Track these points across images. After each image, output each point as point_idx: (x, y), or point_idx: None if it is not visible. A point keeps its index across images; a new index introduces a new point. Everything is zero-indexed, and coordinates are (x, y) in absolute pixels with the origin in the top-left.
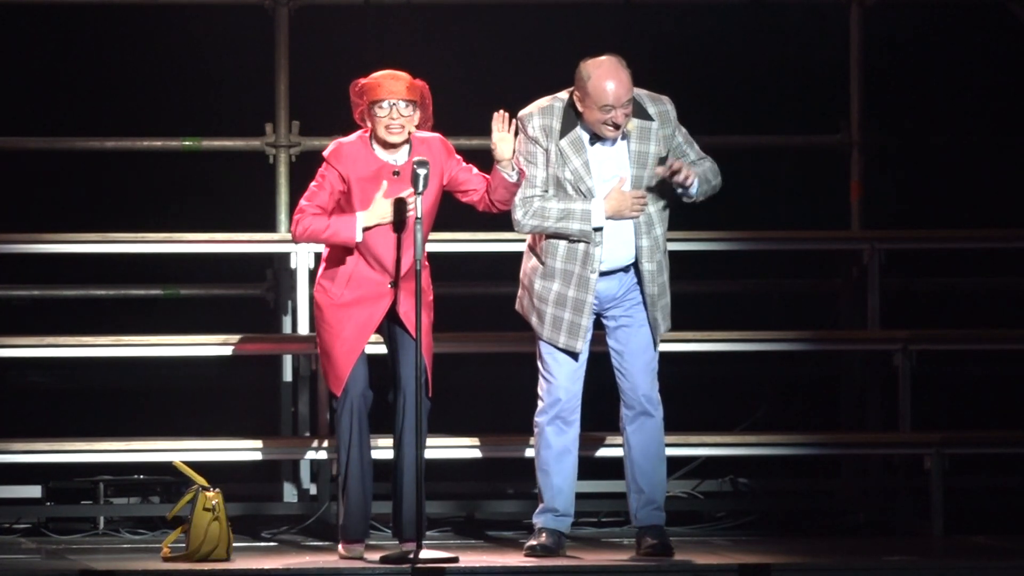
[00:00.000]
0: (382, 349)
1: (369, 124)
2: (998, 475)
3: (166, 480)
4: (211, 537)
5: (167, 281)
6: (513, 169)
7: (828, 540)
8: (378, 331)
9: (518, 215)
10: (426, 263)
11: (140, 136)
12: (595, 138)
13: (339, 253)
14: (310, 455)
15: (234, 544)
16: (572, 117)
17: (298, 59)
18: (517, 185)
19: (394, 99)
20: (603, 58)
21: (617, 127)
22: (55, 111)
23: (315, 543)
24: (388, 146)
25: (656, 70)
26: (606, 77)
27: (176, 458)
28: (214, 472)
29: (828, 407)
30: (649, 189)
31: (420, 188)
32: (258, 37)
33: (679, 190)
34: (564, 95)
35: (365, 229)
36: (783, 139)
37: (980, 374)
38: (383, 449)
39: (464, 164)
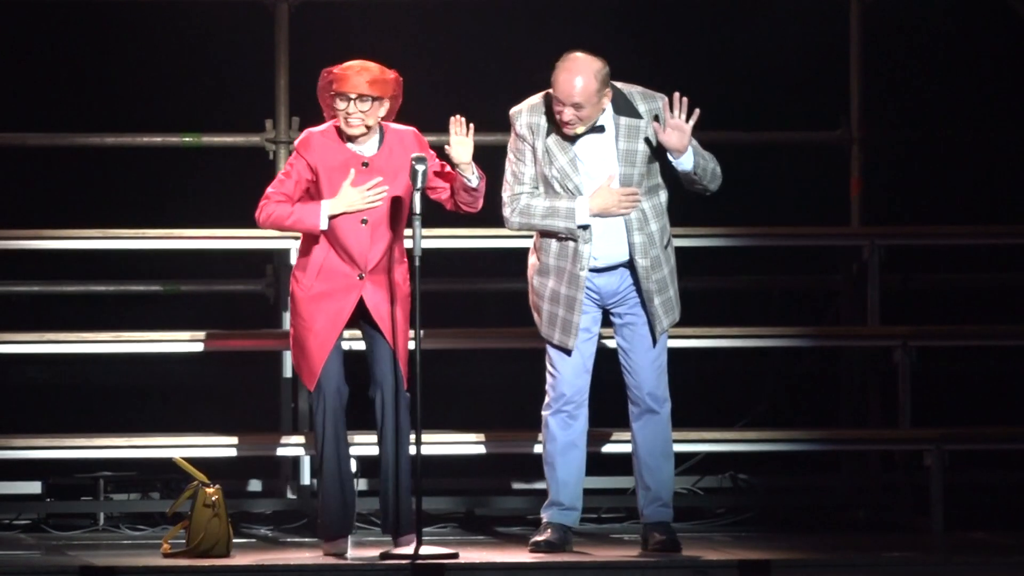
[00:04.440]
0: (360, 345)
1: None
2: (998, 471)
3: (166, 476)
4: (211, 533)
5: (167, 277)
6: (473, 173)
7: (828, 536)
8: (355, 326)
9: (506, 213)
10: (404, 258)
11: (140, 132)
12: (578, 136)
13: (311, 244)
14: (311, 451)
15: (234, 540)
16: None
17: (298, 55)
18: (477, 190)
19: (354, 93)
20: (576, 55)
21: (566, 123)
22: (55, 107)
23: (315, 539)
24: (353, 137)
25: (655, 66)
26: (564, 71)
27: (176, 454)
28: (214, 468)
29: (828, 403)
30: (641, 185)
31: (419, 184)
32: (258, 33)
33: (674, 160)
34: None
35: (332, 217)
36: (783, 135)
37: (980, 370)
38: (369, 445)
39: (436, 160)
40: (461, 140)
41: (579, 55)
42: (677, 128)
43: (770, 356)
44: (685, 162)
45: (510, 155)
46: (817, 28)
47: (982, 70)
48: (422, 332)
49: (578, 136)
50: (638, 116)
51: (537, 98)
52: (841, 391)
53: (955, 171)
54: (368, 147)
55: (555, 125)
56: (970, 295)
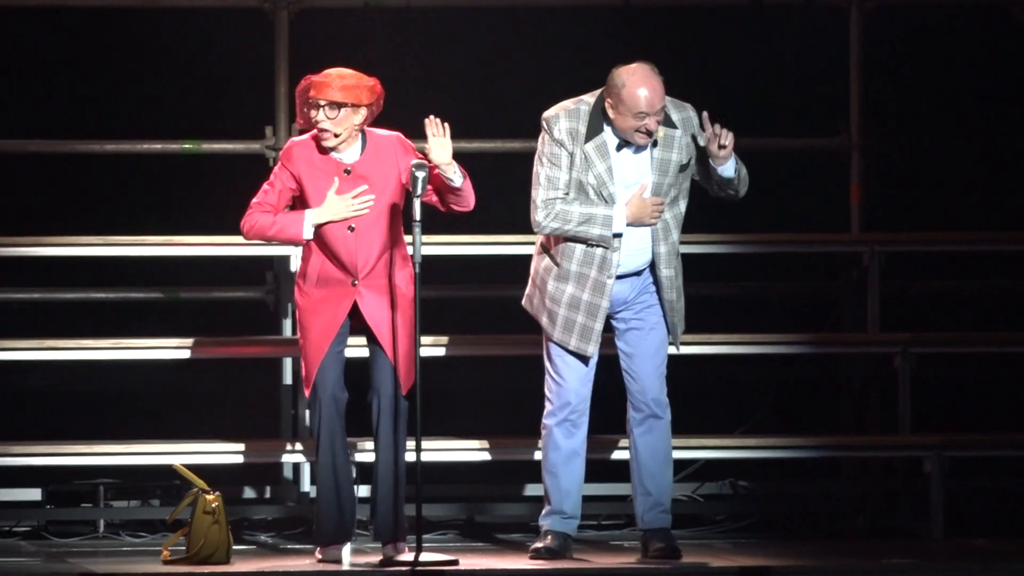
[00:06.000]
0: (363, 352)
1: None
2: (998, 477)
3: (166, 483)
4: (211, 540)
5: (167, 284)
6: (455, 173)
7: (828, 543)
8: (362, 333)
9: (539, 217)
10: (407, 263)
11: (140, 139)
12: (620, 144)
13: (309, 252)
14: (310, 458)
15: (234, 547)
16: (598, 121)
17: (298, 62)
18: (461, 189)
19: (323, 100)
20: (636, 65)
21: (650, 134)
22: (55, 114)
23: (315, 546)
24: (332, 146)
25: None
26: (640, 84)
27: (176, 461)
28: (214, 475)
29: (828, 410)
30: (668, 195)
31: (419, 191)
32: (258, 40)
33: (719, 167)
34: (589, 99)
35: (318, 226)
36: (783, 142)
37: (980, 376)
38: (370, 452)
39: None
40: (439, 141)
41: (637, 65)
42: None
43: (770, 362)
44: (728, 168)
45: (543, 159)
46: (817, 35)
47: (981, 77)
48: (423, 339)
49: (621, 144)
50: (672, 125)
51: (571, 103)
52: (841, 397)
53: (955, 177)
54: (350, 154)
55: (592, 131)
56: (970, 301)
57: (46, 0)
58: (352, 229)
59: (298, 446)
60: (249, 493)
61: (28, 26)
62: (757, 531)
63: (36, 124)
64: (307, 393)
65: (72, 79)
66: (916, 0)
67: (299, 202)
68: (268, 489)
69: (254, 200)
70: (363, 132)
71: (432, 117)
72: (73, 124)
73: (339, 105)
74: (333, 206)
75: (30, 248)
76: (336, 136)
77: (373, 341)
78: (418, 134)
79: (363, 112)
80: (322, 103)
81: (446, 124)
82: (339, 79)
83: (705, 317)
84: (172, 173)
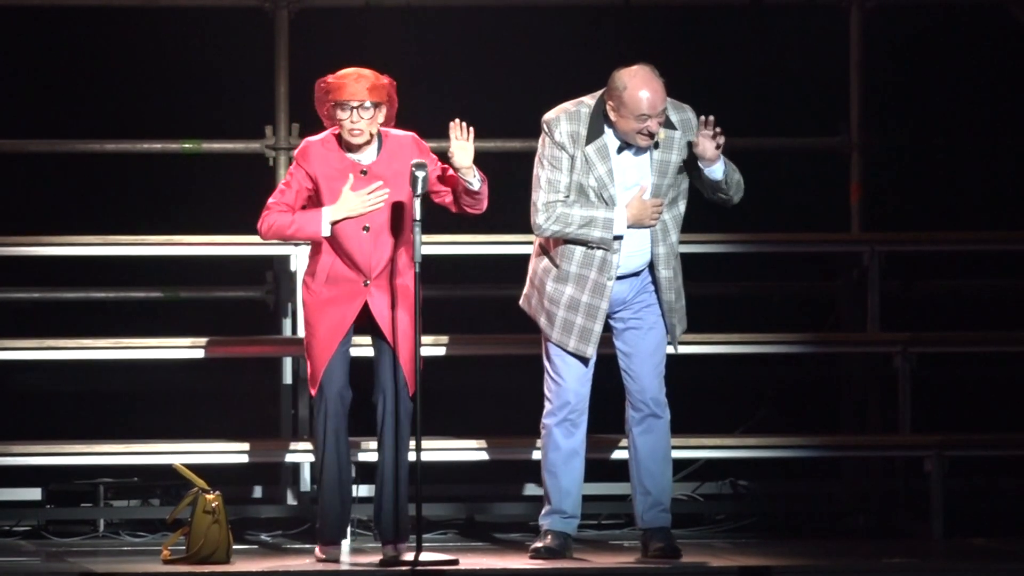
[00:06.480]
0: (369, 352)
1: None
2: (998, 477)
3: (166, 483)
4: (211, 540)
5: (167, 283)
6: (475, 176)
7: (828, 542)
8: (366, 332)
9: (540, 219)
10: (412, 264)
11: (140, 139)
12: (621, 146)
13: (319, 250)
14: (310, 458)
15: (234, 546)
16: (598, 124)
17: (298, 61)
18: (479, 193)
19: (356, 101)
20: (637, 67)
21: (652, 136)
22: (55, 114)
23: (315, 546)
24: (355, 145)
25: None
26: (642, 87)
27: (176, 460)
28: (214, 475)
29: (828, 409)
30: (667, 196)
31: (419, 191)
32: (258, 39)
33: (706, 168)
34: (590, 101)
35: (334, 223)
36: (783, 141)
37: (980, 376)
38: (372, 452)
39: (437, 164)
40: (462, 144)
41: (639, 68)
42: (709, 139)
43: (770, 362)
44: (716, 171)
45: (544, 162)
46: (817, 35)
47: (982, 77)
48: (423, 338)
49: (622, 146)
50: (672, 127)
51: (571, 106)
52: (841, 397)
53: (955, 177)
54: (367, 155)
55: (593, 134)
56: (970, 301)
57: (46, 0)
58: (367, 229)
59: (302, 445)
60: (249, 492)
61: (28, 26)
62: (757, 531)
63: (37, 124)
64: (312, 391)
65: (73, 79)
66: (916, 0)
67: (314, 202)
68: (268, 489)
69: (270, 200)
70: (379, 132)
71: (457, 120)
72: (74, 124)
73: (371, 105)
74: (349, 202)
75: (30, 248)
76: (371, 135)
77: (380, 340)
78: (416, 131)
79: (385, 110)
80: (354, 104)
81: (471, 128)
82: (363, 79)
83: (705, 317)
84: (172, 173)
